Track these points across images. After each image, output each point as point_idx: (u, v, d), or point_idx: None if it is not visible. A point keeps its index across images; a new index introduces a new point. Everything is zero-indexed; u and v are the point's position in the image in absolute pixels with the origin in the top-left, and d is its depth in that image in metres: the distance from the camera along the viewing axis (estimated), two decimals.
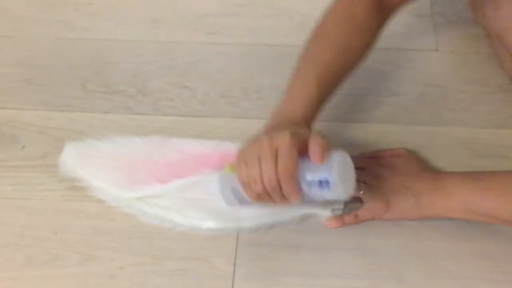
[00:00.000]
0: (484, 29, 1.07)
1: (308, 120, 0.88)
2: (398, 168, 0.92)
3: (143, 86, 1.09)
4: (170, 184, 0.91)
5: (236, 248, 0.87)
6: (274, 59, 1.13)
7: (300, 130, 0.81)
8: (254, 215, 0.89)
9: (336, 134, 1.01)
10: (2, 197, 0.94)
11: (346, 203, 0.89)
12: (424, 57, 1.14)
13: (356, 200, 0.88)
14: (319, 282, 0.85)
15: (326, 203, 0.88)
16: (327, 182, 0.76)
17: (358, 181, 0.86)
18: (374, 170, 0.91)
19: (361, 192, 0.87)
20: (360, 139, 1.00)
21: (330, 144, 0.78)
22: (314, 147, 0.77)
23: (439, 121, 1.03)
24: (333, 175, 0.76)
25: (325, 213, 0.89)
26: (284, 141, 0.77)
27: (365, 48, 0.95)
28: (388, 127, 1.00)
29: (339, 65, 0.93)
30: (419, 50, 1.16)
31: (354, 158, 0.81)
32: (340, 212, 0.89)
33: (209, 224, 0.89)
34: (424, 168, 0.94)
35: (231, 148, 0.95)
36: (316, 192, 0.78)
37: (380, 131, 1.01)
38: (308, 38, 0.94)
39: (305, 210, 0.89)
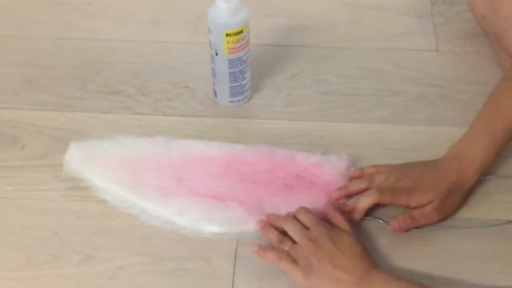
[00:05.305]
0: (483, 30, 1.07)
1: (480, 163, 0.88)
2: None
3: (143, 86, 1.09)
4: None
5: (236, 248, 0.87)
6: (274, 59, 1.13)
7: (448, 199, 0.87)
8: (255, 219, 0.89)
9: (336, 134, 1.01)
10: (2, 197, 0.94)
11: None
12: (424, 57, 1.14)
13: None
14: None
15: None
16: None
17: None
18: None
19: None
20: (360, 139, 1.00)
21: None
22: None
23: (439, 121, 1.03)
24: None
25: None
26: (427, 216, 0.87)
27: None
28: (388, 127, 1.00)
29: None
30: (419, 50, 1.15)
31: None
32: None
33: (212, 228, 0.88)
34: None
35: (235, 149, 0.95)
36: None
37: (380, 131, 1.01)
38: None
39: None
